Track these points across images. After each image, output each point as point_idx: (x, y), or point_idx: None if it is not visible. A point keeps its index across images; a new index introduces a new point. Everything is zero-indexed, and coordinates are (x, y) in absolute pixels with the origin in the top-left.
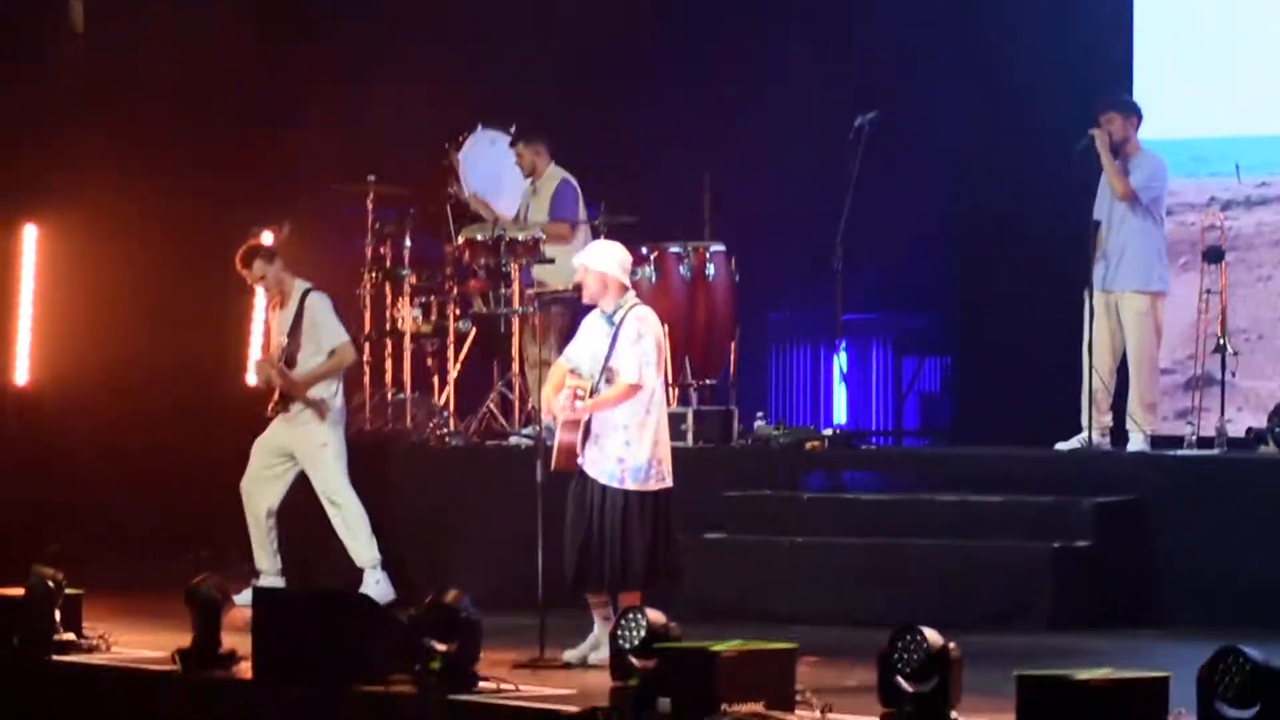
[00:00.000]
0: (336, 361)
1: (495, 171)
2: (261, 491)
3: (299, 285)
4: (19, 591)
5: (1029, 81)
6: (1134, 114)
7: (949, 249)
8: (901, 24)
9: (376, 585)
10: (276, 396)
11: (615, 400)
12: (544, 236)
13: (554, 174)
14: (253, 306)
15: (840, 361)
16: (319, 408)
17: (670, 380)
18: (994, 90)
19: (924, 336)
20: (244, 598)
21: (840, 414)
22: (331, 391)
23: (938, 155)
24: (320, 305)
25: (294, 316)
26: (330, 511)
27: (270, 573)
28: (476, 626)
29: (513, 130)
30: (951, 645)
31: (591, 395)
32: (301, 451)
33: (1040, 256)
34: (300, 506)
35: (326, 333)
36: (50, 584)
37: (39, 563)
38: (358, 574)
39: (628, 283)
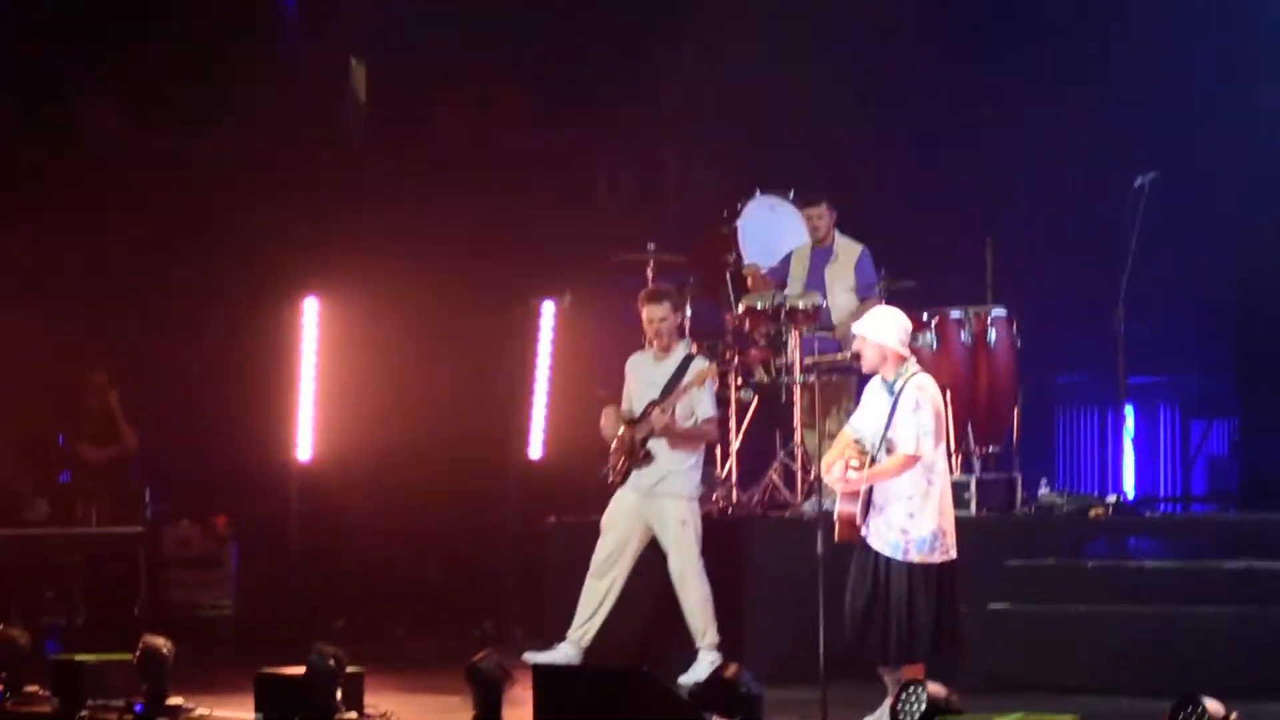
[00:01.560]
0: (705, 432)
1: (774, 238)
2: (617, 565)
3: (683, 345)
4: (300, 670)
5: None
6: None
7: (1234, 308)
8: (1183, 81)
9: (709, 667)
10: (630, 454)
11: (893, 472)
12: (824, 304)
13: (850, 243)
14: (533, 379)
15: (1129, 425)
16: (682, 476)
17: (953, 448)
18: (1276, 147)
19: (1211, 399)
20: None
21: (1128, 479)
22: (694, 463)
23: (1220, 214)
24: (710, 368)
25: (674, 374)
26: (676, 586)
27: (580, 644)
28: (758, 701)
29: (792, 195)
30: (1234, 715)
31: (870, 465)
32: (659, 526)
33: None
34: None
35: (705, 404)
36: (331, 662)
37: (322, 640)
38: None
39: (906, 353)
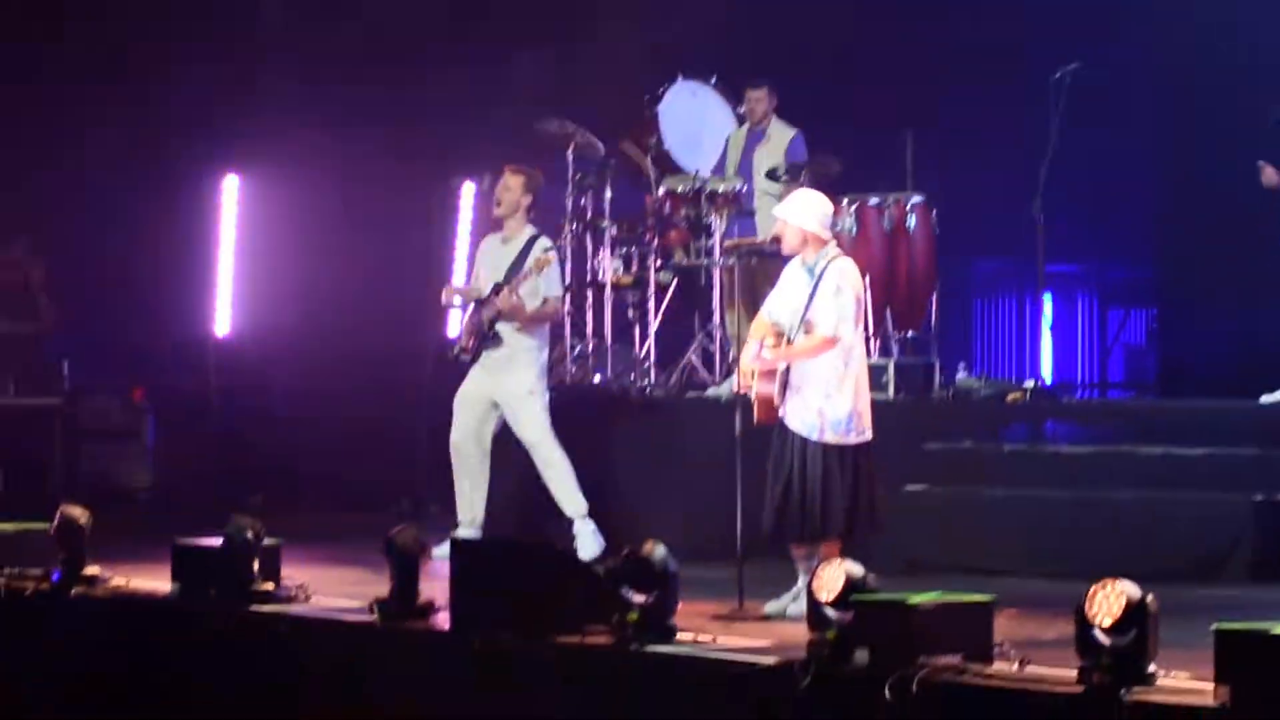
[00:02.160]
0: (550, 311)
1: (695, 123)
2: (475, 443)
3: (529, 228)
4: (217, 542)
5: (1236, 29)
6: None
7: (1154, 200)
8: None
9: (590, 536)
10: (478, 334)
11: (809, 353)
12: (744, 187)
13: (784, 127)
14: (452, 259)
15: (1046, 312)
16: (528, 353)
17: (871, 332)
18: (1200, 39)
19: (1130, 288)
20: (442, 550)
21: (1046, 366)
22: (539, 342)
23: (1141, 105)
24: (546, 252)
25: (518, 255)
26: (536, 461)
27: (473, 524)
28: (674, 578)
29: (714, 80)
30: (1150, 598)
31: (787, 346)
32: (506, 399)
33: (1247, 208)
34: (515, 457)
35: (548, 281)
36: (249, 534)
37: (239, 513)
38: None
39: (827, 236)
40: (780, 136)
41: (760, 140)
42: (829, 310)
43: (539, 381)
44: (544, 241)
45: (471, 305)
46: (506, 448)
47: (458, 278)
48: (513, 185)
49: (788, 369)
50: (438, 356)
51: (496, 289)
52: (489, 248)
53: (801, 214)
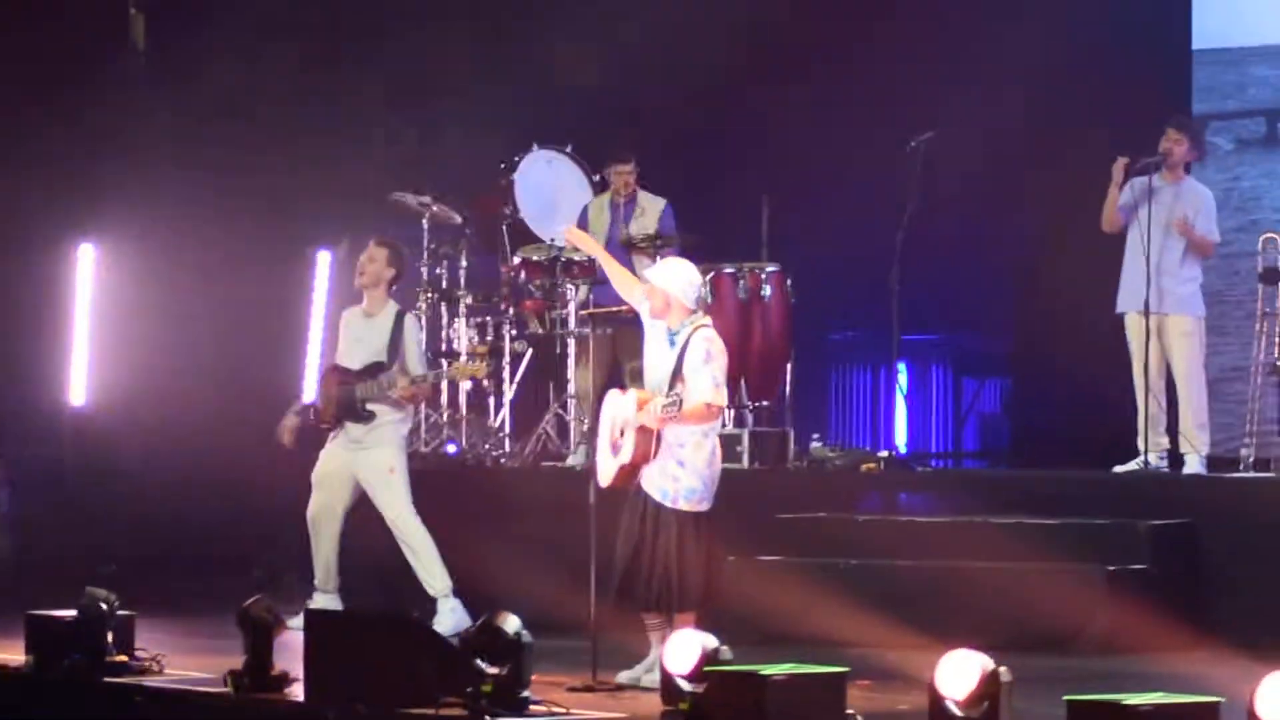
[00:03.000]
0: (427, 389)
1: (551, 192)
2: (332, 518)
3: (391, 303)
4: (71, 613)
5: (1088, 99)
6: (1199, 147)
7: (1008, 270)
8: (959, 44)
9: (451, 614)
10: (348, 411)
11: (697, 418)
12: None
13: (653, 198)
14: (308, 326)
15: (901, 381)
16: (391, 427)
17: (726, 402)
18: (1053, 108)
19: (984, 358)
20: (298, 621)
21: (900, 435)
22: (403, 416)
23: (995, 176)
24: (418, 330)
25: (390, 334)
26: (398, 538)
27: (331, 588)
28: (527, 649)
29: (569, 149)
30: (1002, 669)
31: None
32: (367, 476)
33: (1099, 278)
34: (381, 529)
35: (419, 359)
36: (103, 605)
37: (93, 584)
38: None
39: (691, 305)
40: (653, 207)
41: (632, 211)
42: (704, 378)
43: (400, 457)
44: (410, 316)
45: (332, 376)
46: (372, 520)
47: (313, 345)
48: (377, 257)
49: (660, 433)
50: (305, 414)
51: (373, 369)
52: (352, 321)
53: (668, 279)
